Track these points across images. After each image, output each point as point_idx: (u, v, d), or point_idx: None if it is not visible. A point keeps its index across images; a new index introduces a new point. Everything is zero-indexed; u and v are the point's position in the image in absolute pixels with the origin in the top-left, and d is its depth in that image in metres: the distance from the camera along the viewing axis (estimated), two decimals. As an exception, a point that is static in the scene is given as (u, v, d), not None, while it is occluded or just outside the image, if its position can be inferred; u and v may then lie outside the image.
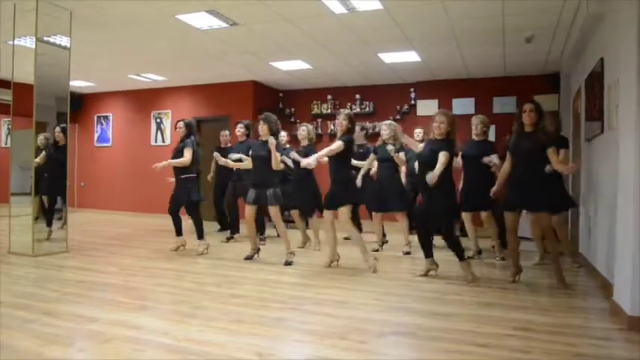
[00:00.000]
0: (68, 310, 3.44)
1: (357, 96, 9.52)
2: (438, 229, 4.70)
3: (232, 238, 6.96)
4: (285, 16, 5.69)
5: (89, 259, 5.48)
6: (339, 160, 4.97)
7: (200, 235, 5.87)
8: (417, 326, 3.21)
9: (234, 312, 3.48)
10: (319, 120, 9.71)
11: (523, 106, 4.43)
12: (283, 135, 6.51)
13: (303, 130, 6.24)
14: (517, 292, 4.29)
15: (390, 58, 7.52)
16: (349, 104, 9.54)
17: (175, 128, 6.10)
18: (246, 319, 3.32)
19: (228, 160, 5.80)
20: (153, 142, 10.51)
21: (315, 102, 9.85)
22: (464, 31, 6.11)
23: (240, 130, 6.73)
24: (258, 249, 5.61)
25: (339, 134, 5.02)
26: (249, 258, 5.47)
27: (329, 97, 9.75)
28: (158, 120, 10.58)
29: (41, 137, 6.16)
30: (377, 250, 6.09)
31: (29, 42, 5.48)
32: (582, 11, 5.00)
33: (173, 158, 5.75)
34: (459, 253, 4.55)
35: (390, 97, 9.32)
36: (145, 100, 10.64)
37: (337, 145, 4.87)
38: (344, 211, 4.92)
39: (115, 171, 10.93)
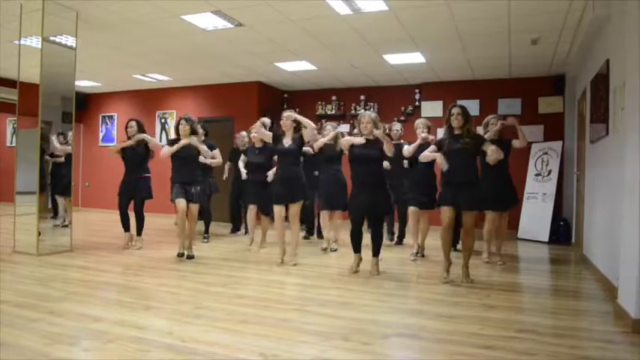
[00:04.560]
0: (73, 310, 3.45)
1: (362, 97, 9.52)
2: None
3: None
4: (291, 17, 5.69)
5: (93, 258, 5.50)
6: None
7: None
8: (421, 328, 3.20)
9: (238, 312, 3.48)
10: (323, 120, 9.68)
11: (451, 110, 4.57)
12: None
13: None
14: (522, 295, 4.29)
15: (394, 59, 7.51)
16: (354, 105, 9.56)
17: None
18: (250, 319, 3.32)
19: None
20: (157, 142, 10.50)
21: (319, 103, 9.86)
22: (469, 33, 6.09)
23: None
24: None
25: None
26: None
27: (333, 98, 9.75)
28: (163, 120, 10.61)
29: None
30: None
31: (35, 42, 5.50)
32: (588, 13, 4.99)
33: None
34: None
35: (395, 98, 9.31)
36: (150, 100, 10.66)
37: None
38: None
39: (119, 171, 10.91)
